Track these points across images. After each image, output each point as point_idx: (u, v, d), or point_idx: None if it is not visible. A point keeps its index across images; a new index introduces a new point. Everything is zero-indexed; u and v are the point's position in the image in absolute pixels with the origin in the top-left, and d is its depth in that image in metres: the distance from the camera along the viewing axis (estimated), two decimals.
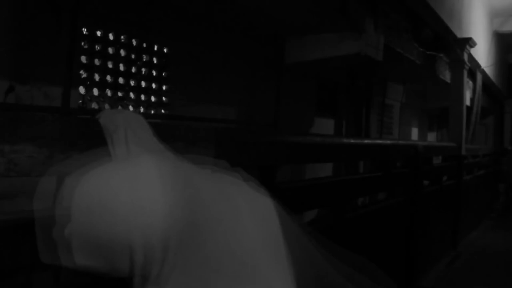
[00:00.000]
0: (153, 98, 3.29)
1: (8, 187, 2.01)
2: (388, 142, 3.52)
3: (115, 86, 3.01)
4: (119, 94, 3.04)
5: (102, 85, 2.93)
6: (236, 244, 0.79)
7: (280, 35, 4.00)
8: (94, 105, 2.90)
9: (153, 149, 0.98)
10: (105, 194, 0.77)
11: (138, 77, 3.18)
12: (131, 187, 0.77)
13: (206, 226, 0.77)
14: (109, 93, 2.98)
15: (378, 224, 2.86)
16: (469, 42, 5.39)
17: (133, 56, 3.14)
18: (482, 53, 6.78)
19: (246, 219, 0.82)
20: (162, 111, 3.35)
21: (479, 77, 6.74)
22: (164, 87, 3.36)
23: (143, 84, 3.21)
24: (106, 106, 2.94)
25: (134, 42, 3.15)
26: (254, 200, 0.87)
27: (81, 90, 2.80)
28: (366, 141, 3.02)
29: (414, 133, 8.67)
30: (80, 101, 2.80)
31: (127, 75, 3.11)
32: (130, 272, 0.75)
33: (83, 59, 2.82)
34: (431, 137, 9.58)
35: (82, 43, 2.80)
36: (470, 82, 6.57)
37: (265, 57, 4.05)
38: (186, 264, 0.75)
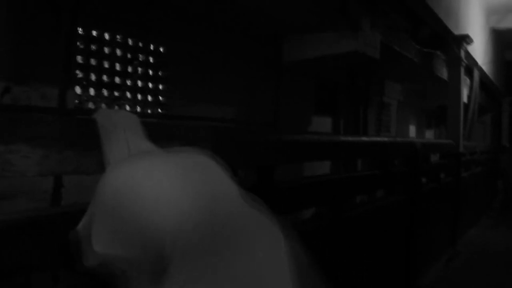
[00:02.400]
0: (149, 98, 3.28)
1: (8, 187, 2.01)
2: (387, 139, 3.51)
3: (111, 86, 3.01)
4: (116, 94, 3.04)
5: (98, 85, 2.93)
6: (248, 255, 0.76)
7: (280, 35, 4.00)
8: (91, 105, 2.89)
9: (152, 149, 0.98)
10: (133, 179, 0.75)
11: (134, 76, 3.18)
12: (160, 178, 0.75)
13: (222, 232, 0.75)
14: (105, 93, 2.98)
15: (377, 223, 2.86)
16: (466, 39, 5.38)
17: (129, 56, 3.14)
18: (479, 51, 6.78)
19: (257, 233, 0.80)
20: (159, 110, 3.35)
21: (476, 74, 6.73)
22: (160, 87, 3.36)
23: (139, 83, 3.21)
24: (103, 106, 2.94)
25: (130, 42, 3.15)
26: (263, 213, 0.85)
27: (78, 90, 2.80)
28: (364, 138, 3.02)
29: (412, 131, 8.68)
30: (77, 101, 2.80)
31: (124, 74, 3.10)
32: (146, 262, 0.73)
33: (79, 59, 2.82)
34: (429, 135, 9.59)
35: (78, 43, 2.80)
36: (468, 80, 6.57)
37: (264, 57, 4.04)
38: (195, 267, 0.72)
